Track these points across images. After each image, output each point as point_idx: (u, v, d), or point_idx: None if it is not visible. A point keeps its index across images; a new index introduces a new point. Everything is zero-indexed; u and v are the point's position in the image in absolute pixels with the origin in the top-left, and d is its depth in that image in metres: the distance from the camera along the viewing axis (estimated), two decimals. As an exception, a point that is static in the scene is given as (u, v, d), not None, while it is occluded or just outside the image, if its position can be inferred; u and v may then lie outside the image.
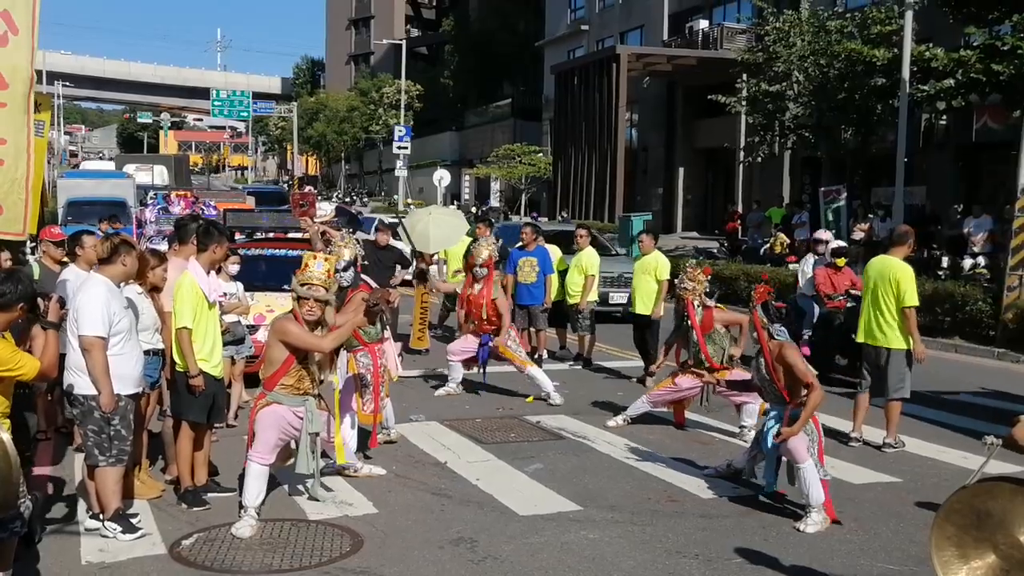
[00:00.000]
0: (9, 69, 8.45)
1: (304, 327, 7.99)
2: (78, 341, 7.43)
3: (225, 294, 10.37)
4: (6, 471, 5.75)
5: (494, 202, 60.82)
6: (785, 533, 8.10)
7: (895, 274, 10.67)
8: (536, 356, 15.44)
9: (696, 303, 11.14)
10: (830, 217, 29.22)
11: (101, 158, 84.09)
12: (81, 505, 8.31)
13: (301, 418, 8.09)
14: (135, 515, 7.95)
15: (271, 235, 16.07)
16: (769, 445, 8.63)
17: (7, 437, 5.79)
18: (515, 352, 13.32)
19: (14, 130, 8.49)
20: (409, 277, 18.30)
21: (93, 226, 18.25)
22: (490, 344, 13.26)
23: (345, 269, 9.87)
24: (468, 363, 13.62)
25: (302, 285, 8.02)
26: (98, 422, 7.52)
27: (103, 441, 7.56)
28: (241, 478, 8.25)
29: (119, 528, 7.61)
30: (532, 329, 16.16)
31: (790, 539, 7.97)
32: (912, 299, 10.66)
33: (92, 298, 7.46)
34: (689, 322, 11.16)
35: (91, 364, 7.38)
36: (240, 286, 11.85)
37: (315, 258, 8.20)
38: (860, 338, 11.04)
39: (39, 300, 6.46)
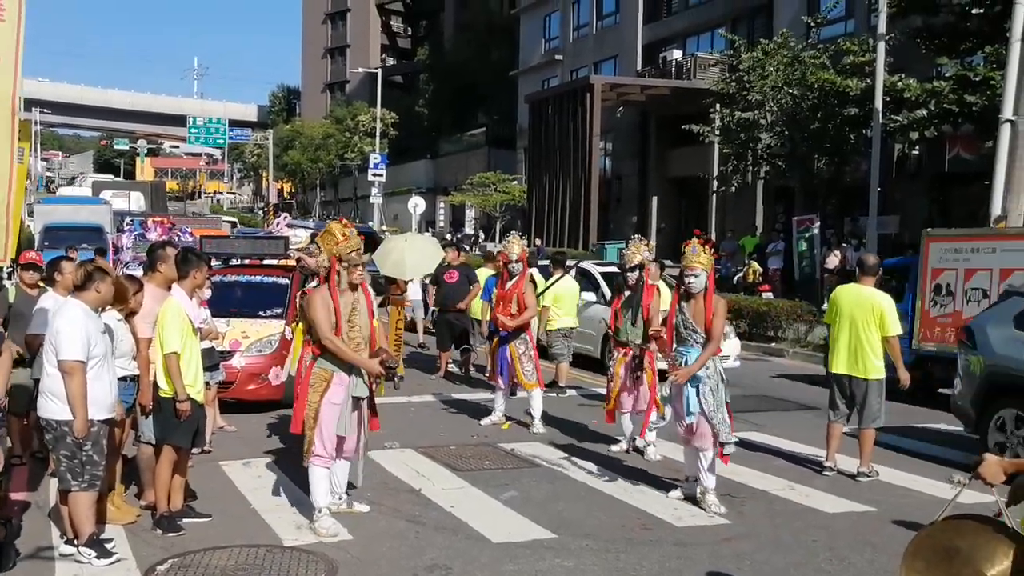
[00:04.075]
0: None
1: (330, 308, 8.41)
2: (58, 365, 7.41)
3: (204, 320, 10.35)
4: None
5: (468, 230, 60.87)
6: (759, 562, 8.11)
7: (877, 305, 10.73)
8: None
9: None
10: (803, 246, 29.46)
11: (76, 183, 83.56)
12: (55, 530, 8.29)
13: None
14: (110, 540, 7.92)
15: (247, 261, 15.98)
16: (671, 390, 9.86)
17: None
18: (524, 367, 13.14)
19: None
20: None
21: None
22: (508, 344, 13.12)
23: None
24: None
25: (349, 252, 8.51)
26: (71, 447, 7.50)
27: (76, 466, 7.54)
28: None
29: (94, 553, 7.58)
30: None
31: (764, 568, 7.98)
32: (897, 328, 10.81)
33: (70, 322, 7.44)
34: (643, 289, 11.70)
35: (70, 388, 7.35)
36: (208, 312, 11.77)
37: (348, 227, 8.72)
38: (840, 369, 11.01)
39: None
